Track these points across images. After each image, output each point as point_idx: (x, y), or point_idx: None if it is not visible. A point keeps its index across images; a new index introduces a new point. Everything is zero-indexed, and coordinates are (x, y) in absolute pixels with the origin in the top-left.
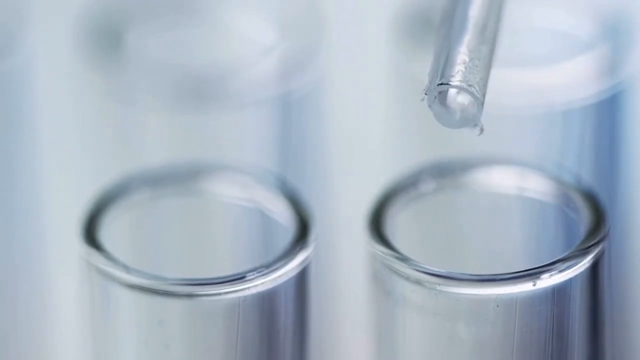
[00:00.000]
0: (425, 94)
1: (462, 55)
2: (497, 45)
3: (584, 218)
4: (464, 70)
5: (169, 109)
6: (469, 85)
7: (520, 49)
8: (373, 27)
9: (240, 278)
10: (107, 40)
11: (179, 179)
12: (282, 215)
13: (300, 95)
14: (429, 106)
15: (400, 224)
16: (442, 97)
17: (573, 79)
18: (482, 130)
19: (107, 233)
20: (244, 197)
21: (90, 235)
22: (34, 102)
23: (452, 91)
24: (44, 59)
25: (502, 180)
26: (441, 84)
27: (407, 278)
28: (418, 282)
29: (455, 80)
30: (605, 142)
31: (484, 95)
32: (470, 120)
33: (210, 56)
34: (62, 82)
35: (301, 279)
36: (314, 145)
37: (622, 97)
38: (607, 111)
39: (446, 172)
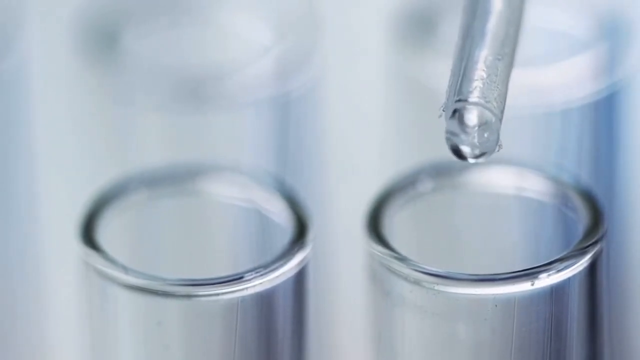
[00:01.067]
0: (443, 111)
1: (479, 71)
2: (515, 61)
3: (582, 217)
4: (481, 86)
5: (166, 109)
6: (487, 102)
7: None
8: (370, 27)
9: (238, 278)
10: (103, 40)
11: (176, 179)
12: (280, 215)
13: (297, 95)
14: (446, 124)
15: (399, 223)
16: (459, 113)
17: (571, 79)
18: (500, 146)
19: (105, 234)
20: (241, 198)
21: (89, 235)
22: (30, 103)
23: (469, 108)
24: (40, 60)
25: (500, 180)
26: (459, 100)
27: (406, 278)
28: (416, 282)
29: (473, 96)
30: (603, 142)
31: (502, 111)
32: (487, 141)
33: (207, 56)
34: (58, 83)
35: (299, 279)
36: (312, 146)
37: (619, 96)
38: (605, 110)
39: (444, 172)
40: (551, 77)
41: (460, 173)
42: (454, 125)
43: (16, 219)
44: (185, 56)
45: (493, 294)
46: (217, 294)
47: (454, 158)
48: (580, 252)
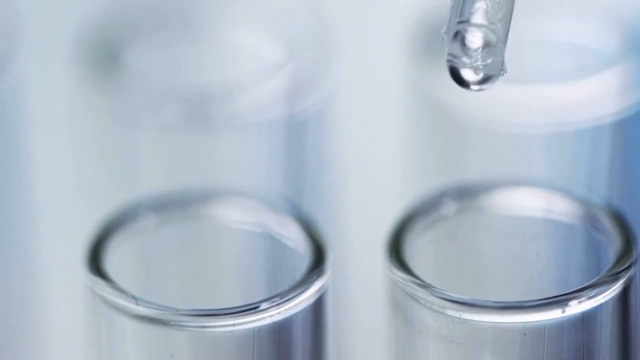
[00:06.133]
0: (444, 34)
1: None
2: None
3: (613, 241)
4: (485, 7)
5: (173, 130)
6: (490, 24)
7: (544, 65)
8: (385, 43)
9: (254, 308)
10: (106, 58)
11: (186, 204)
12: (296, 241)
13: (311, 114)
14: (447, 47)
15: (421, 248)
16: (461, 36)
17: (599, 95)
18: (505, 71)
19: (112, 261)
20: (255, 223)
21: (96, 264)
22: (29, 124)
23: (472, 30)
24: (39, 79)
25: (526, 202)
26: (461, 22)
27: (429, 306)
28: (441, 310)
29: (476, 18)
30: (633, 160)
31: (506, 33)
32: (490, 65)
33: (216, 75)
34: (58, 103)
35: (318, 307)
36: (327, 167)
37: None
38: (635, 128)
39: (468, 193)
40: (579, 94)
41: (485, 195)
42: (456, 48)
43: (16, 245)
44: (193, 74)
45: (522, 322)
46: (232, 325)
47: (456, 85)
48: (612, 277)
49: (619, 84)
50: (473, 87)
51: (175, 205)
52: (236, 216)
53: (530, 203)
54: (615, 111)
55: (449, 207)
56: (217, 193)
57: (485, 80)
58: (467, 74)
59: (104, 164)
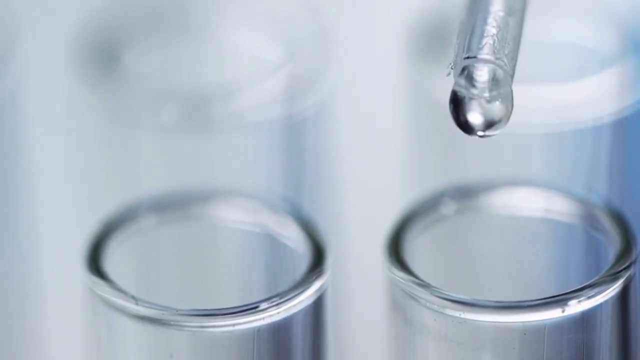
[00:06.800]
0: (451, 68)
1: (490, 27)
2: (526, 17)
3: (613, 240)
4: (492, 42)
5: (172, 130)
6: (497, 59)
7: (544, 65)
8: (384, 42)
9: (253, 308)
10: (105, 59)
11: (185, 204)
12: (295, 241)
13: (309, 114)
14: (455, 81)
15: (420, 248)
16: (469, 71)
17: (597, 95)
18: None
19: (111, 262)
20: (254, 223)
21: (95, 264)
22: (28, 125)
23: (480, 65)
24: (37, 80)
25: (526, 202)
26: (468, 57)
27: (429, 306)
28: (441, 310)
29: (484, 53)
30: (632, 160)
31: (513, 69)
32: (499, 99)
33: (215, 75)
34: (56, 104)
35: (317, 307)
36: (326, 167)
37: None
38: (633, 127)
39: (467, 193)
40: (579, 94)
41: (485, 195)
42: (463, 83)
43: (16, 245)
44: (193, 74)
45: (522, 322)
46: (232, 325)
47: (463, 133)
48: (612, 277)
49: (619, 84)
50: (478, 132)
51: (175, 205)
52: (236, 216)
53: (530, 203)
54: (615, 111)
55: (449, 207)
56: (217, 193)
57: (490, 125)
58: (472, 117)
59: (103, 164)
